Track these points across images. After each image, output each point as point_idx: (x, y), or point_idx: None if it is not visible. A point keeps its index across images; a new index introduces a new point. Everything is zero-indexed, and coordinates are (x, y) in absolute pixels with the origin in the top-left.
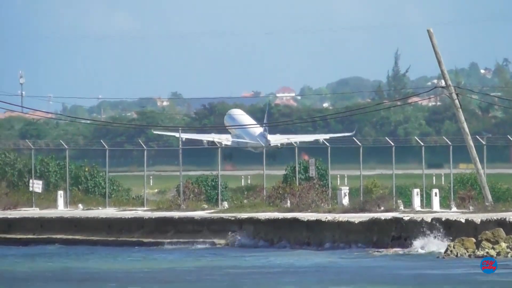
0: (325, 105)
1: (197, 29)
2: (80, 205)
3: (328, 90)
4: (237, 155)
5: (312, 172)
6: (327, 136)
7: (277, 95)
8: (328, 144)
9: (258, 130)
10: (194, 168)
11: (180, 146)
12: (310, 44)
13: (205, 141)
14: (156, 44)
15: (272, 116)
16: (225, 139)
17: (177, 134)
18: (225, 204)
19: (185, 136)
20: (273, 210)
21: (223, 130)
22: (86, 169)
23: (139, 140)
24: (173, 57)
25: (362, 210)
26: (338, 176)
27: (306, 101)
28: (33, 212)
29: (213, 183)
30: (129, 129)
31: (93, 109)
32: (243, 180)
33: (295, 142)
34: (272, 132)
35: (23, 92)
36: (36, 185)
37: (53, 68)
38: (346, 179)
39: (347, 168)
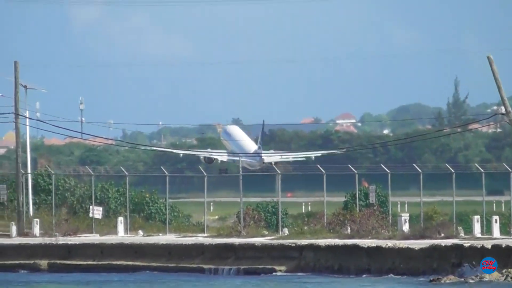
0: (385, 131)
1: (256, 55)
2: (140, 231)
3: (388, 117)
4: (298, 181)
5: (373, 198)
6: (319, 153)
7: (337, 121)
8: (388, 171)
9: (253, 147)
10: (254, 194)
11: (240, 172)
12: (370, 71)
13: (202, 157)
14: (216, 70)
15: (332, 142)
16: (220, 156)
17: (174, 151)
18: (286, 231)
19: (182, 152)
20: (334, 236)
21: (219, 146)
22: (147, 196)
23: (199, 167)
24: (234, 83)
25: (423, 236)
26: (399, 202)
27: (366, 128)
28: (93, 238)
29: (273, 210)
30: (189, 155)
31: (153, 136)
32: (303, 206)
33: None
34: (267, 149)
35: (83, 119)
36: (96, 211)
37: (113, 94)
38: (406, 205)
39: (407, 195)
